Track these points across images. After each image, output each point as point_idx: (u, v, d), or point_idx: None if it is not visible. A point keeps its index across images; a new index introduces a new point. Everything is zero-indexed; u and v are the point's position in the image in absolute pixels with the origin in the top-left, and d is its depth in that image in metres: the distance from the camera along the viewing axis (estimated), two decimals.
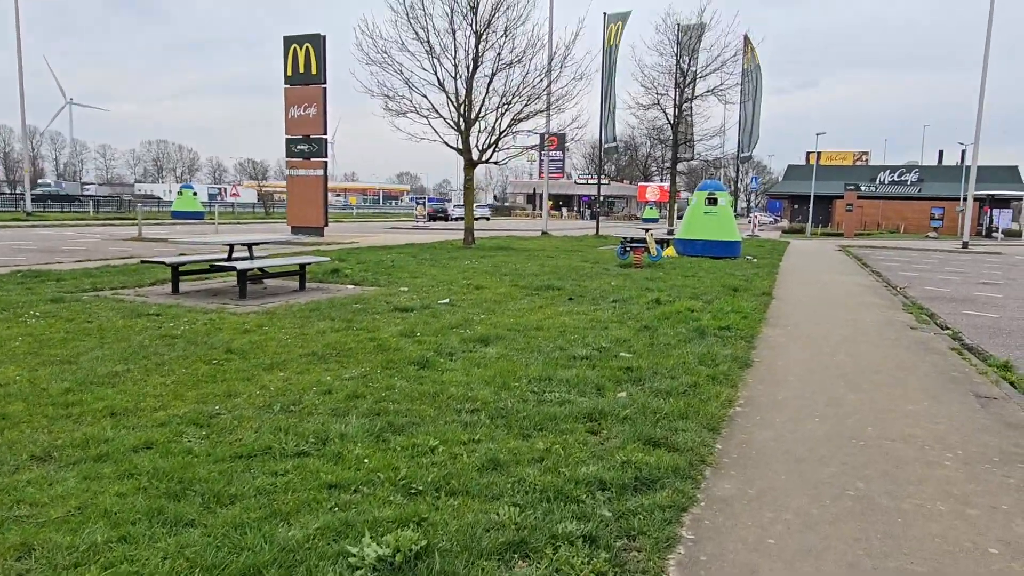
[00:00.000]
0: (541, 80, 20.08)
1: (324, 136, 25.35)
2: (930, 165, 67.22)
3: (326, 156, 25.63)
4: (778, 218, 77.00)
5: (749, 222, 43.78)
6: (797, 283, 14.21)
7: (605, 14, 29.18)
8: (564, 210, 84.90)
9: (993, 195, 49.26)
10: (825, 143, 72.55)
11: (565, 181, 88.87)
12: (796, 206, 62.29)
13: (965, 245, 31.92)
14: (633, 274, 13.79)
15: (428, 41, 19.29)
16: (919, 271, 19.92)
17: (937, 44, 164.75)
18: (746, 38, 29.14)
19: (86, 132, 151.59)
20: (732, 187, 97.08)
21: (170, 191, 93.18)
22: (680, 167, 53.61)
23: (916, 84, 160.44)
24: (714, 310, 9.21)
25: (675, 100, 27.63)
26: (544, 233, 30.30)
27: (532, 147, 21.06)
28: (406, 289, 10.71)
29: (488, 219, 64.53)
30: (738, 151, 29.96)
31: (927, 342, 8.12)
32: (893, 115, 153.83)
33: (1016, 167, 63.22)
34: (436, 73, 19.57)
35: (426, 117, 20.00)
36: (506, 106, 20.14)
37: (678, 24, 27.64)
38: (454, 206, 63.20)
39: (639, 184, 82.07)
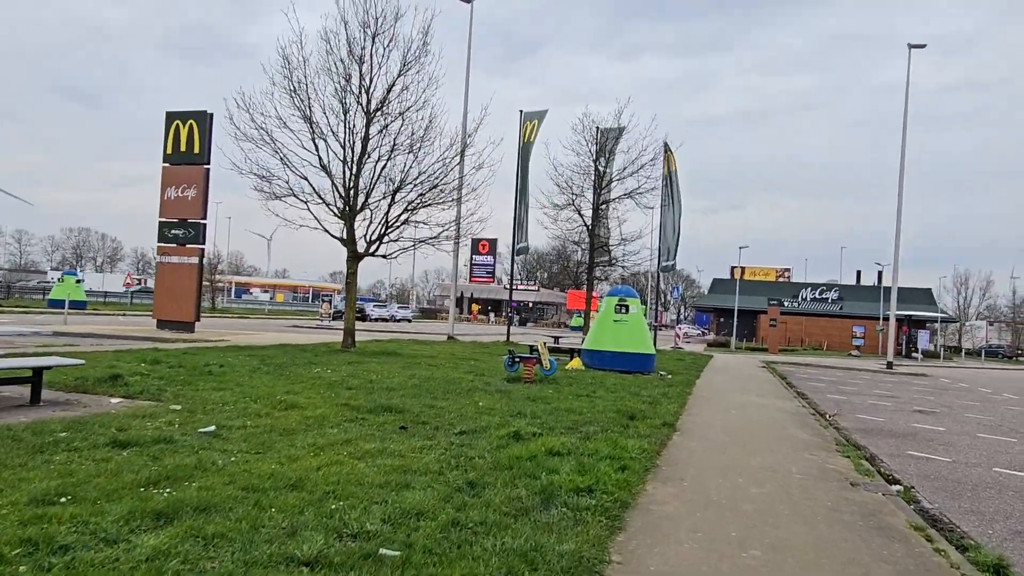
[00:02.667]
0: (441, 169, 18.08)
1: (203, 221, 22.59)
2: (849, 284, 68.46)
3: (203, 242, 22.78)
4: (706, 331, 76.73)
5: (675, 334, 42.36)
6: (711, 408, 11.88)
7: (522, 112, 28.09)
8: (492, 315, 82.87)
9: (911, 316, 49.55)
10: (750, 260, 73.68)
11: (495, 286, 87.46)
12: (722, 319, 61.83)
13: (890, 365, 30.79)
14: (515, 391, 11.22)
15: (312, 119, 17.15)
16: (847, 394, 18.03)
17: (854, 174, 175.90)
18: (666, 145, 28.34)
19: (16, 220, 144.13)
20: (663, 298, 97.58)
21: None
22: (612, 275, 52.75)
23: (834, 208, 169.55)
24: (587, 452, 6.65)
25: (592, 202, 26.17)
26: (450, 338, 27.70)
27: (426, 240, 18.68)
28: (178, 407, 7.82)
29: (410, 321, 61.78)
30: (658, 259, 28.49)
31: (877, 512, 5.70)
32: (813, 235, 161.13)
33: (930, 289, 64.89)
34: (319, 154, 17.33)
35: (306, 202, 17.58)
36: (397, 194, 17.93)
37: (597, 127, 26.63)
38: (373, 305, 60.30)
39: (569, 291, 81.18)
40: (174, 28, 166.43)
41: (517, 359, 13.54)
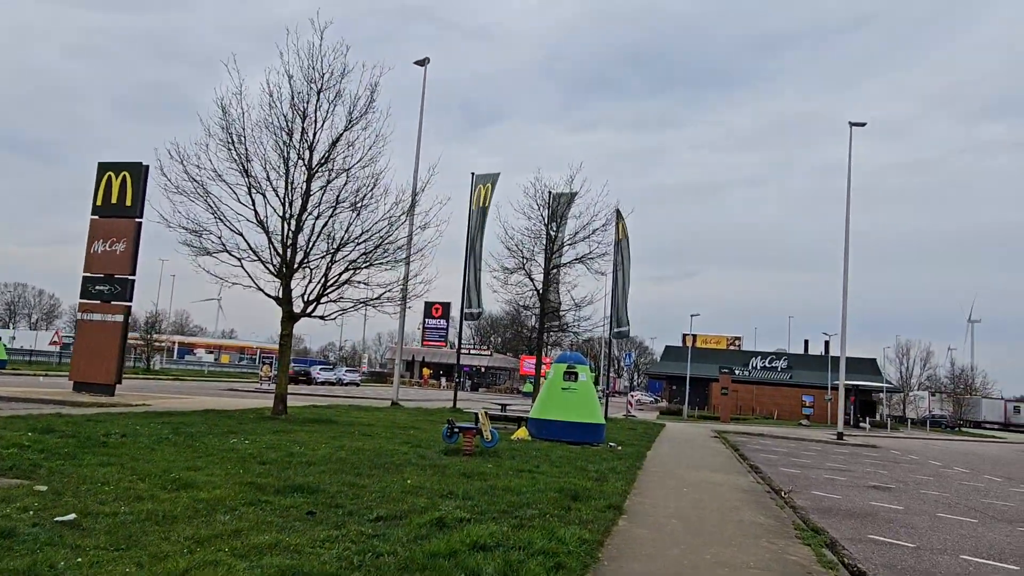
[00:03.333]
0: (386, 228, 17.36)
1: (131, 277, 21.32)
2: (797, 353, 69.24)
3: (130, 300, 21.45)
4: (659, 398, 76.44)
5: (627, 401, 41.69)
6: (662, 486, 11.08)
7: (473, 175, 27.79)
8: (443, 379, 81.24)
9: (859, 386, 49.96)
10: (701, 328, 74.09)
11: (448, 350, 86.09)
12: (674, 387, 61.58)
13: (840, 436, 30.54)
14: (451, 466, 10.26)
15: (249, 172, 16.36)
16: (801, 466, 17.46)
17: (801, 246, 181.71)
18: (618, 211, 28.27)
19: None
20: (615, 364, 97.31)
21: (14, 337, 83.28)
22: (564, 341, 52.10)
23: (783, 279, 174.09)
24: (518, 544, 5.77)
25: (543, 266, 25.68)
26: (394, 403, 26.48)
27: (368, 302, 17.79)
28: (43, 488, 6.70)
29: (358, 385, 59.91)
30: (610, 325, 28.03)
31: None
32: (762, 305, 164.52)
33: (875, 360, 66.01)
34: (256, 208, 16.48)
35: (239, 259, 16.61)
36: (338, 253, 17.10)
37: (549, 191, 26.41)
38: (320, 368, 58.36)
39: (522, 356, 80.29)
40: (132, 84, 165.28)
41: (456, 429, 12.61)
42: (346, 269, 17.32)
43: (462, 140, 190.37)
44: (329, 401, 28.08)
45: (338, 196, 17.05)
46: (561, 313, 26.33)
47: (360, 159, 17.22)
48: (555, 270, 26.03)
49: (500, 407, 21.20)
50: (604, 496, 8.85)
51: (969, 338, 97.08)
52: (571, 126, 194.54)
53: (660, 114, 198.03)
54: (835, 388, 46.41)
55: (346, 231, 17.08)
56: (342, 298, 17.61)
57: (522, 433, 16.44)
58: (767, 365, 62.65)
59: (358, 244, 17.25)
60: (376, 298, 17.81)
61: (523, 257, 25.59)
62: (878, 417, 56.99)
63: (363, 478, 8.69)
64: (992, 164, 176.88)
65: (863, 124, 31.77)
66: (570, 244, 25.97)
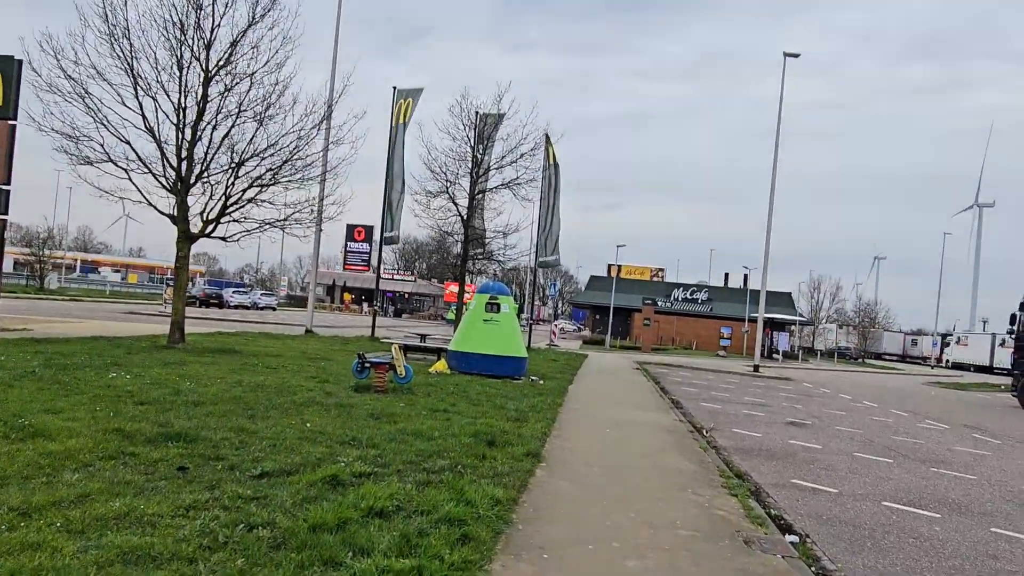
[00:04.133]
0: (295, 142, 15.84)
1: (5, 186, 19.04)
2: (718, 286, 70.91)
3: (5, 212, 19.23)
4: (581, 327, 77.41)
5: (551, 331, 41.69)
6: (584, 427, 10.60)
7: (395, 88, 26.03)
8: (366, 305, 79.78)
9: (774, 319, 51.56)
10: (626, 258, 74.72)
11: (371, 275, 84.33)
12: (598, 316, 62.23)
13: (756, 368, 31.33)
14: (358, 406, 9.44)
15: (136, 72, 14.46)
16: (720, 401, 17.52)
17: (726, 180, 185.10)
18: (547, 136, 27.20)
19: None
20: (540, 293, 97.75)
21: None
22: (490, 269, 51.25)
23: (706, 212, 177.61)
24: (422, 508, 5.04)
25: (468, 191, 24.56)
26: (308, 331, 25.34)
27: (274, 223, 16.41)
28: None
29: (275, 309, 58.04)
30: (536, 254, 27.35)
31: None
32: (686, 237, 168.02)
33: (790, 293, 68.31)
34: (144, 113, 14.68)
35: (126, 170, 14.88)
36: (241, 168, 15.56)
37: (476, 112, 25.02)
38: (233, 291, 56.04)
39: (447, 283, 79.48)
40: None
41: (367, 363, 11.74)
42: (250, 186, 15.84)
43: (388, 57, 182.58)
44: (239, 328, 26.65)
45: (240, 104, 15.40)
46: (486, 240, 25.44)
47: (266, 62, 15.55)
48: (480, 195, 24.96)
49: (419, 337, 20.41)
50: (522, 441, 8.23)
51: (874, 274, 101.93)
52: (504, 46, 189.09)
53: (592, 39, 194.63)
54: (752, 320, 47.73)
55: (249, 143, 15.53)
56: (246, 218, 16.18)
57: (441, 366, 15.74)
58: (688, 297, 63.91)
59: (263, 159, 15.76)
60: (284, 219, 16.45)
61: (447, 180, 24.38)
62: (789, 349, 59.33)
63: (256, 421, 7.78)
64: (908, 107, 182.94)
65: (797, 55, 31.40)
66: (497, 168, 24.90)
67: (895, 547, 6.13)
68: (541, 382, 15.73)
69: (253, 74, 15.53)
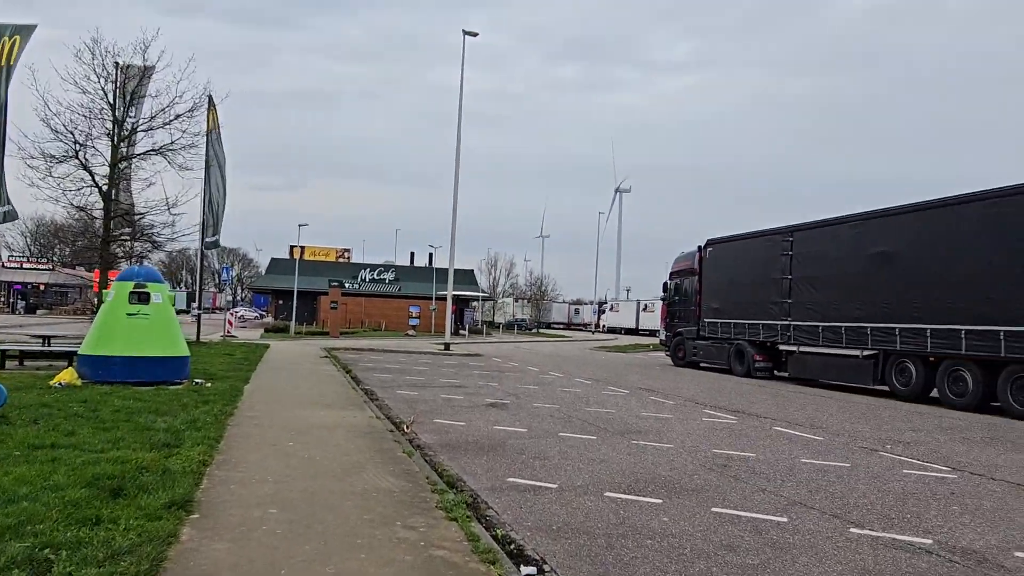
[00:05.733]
0: None
1: None
2: (404, 265, 71.15)
3: None
4: (264, 313, 72.13)
5: (226, 320, 37.27)
6: (259, 443, 8.44)
7: None
8: None
9: (460, 295, 52.91)
10: (310, 240, 71.15)
11: None
12: (281, 301, 58.14)
13: (447, 347, 31.22)
14: None
15: None
16: (417, 386, 16.39)
17: (407, 163, 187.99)
18: (210, 98, 23.41)
19: None
20: (215, 279, 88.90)
21: None
22: (155, 256, 43.99)
23: (390, 193, 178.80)
24: None
25: (108, 157, 19.98)
26: None
27: None
28: None
29: None
30: (202, 233, 23.54)
31: None
32: (370, 218, 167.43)
33: (472, 271, 71.23)
34: None
35: None
36: None
37: (116, 62, 20.44)
38: None
39: (95, 270, 67.90)
40: None
41: None
42: None
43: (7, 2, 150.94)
44: None
45: None
46: (135, 217, 21.04)
47: None
48: (126, 163, 20.51)
49: (42, 339, 15.95)
50: (167, 481, 5.91)
51: (541, 251, 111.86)
52: (160, 7, 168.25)
53: (271, 11, 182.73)
54: (440, 299, 48.32)
55: None
56: None
57: (68, 376, 12.13)
58: (376, 277, 62.95)
59: None
60: None
61: (76, 142, 19.47)
62: (474, 323, 61.74)
63: None
64: (567, 101, 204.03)
65: (475, 34, 31.61)
66: (146, 130, 20.64)
67: (639, 559, 5.24)
68: (208, 385, 12.98)
69: None
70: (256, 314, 70.55)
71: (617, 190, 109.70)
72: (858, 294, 18.21)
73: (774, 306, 21.35)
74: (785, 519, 6.35)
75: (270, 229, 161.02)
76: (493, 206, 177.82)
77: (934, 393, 16.68)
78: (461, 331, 52.07)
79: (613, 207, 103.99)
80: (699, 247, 26.08)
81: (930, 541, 5.86)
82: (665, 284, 29.01)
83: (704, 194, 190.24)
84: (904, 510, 6.82)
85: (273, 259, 64.85)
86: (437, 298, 51.11)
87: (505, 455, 8.83)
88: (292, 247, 62.55)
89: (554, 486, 7.30)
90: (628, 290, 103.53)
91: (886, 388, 17.98)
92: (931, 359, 16.46)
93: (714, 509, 6.61)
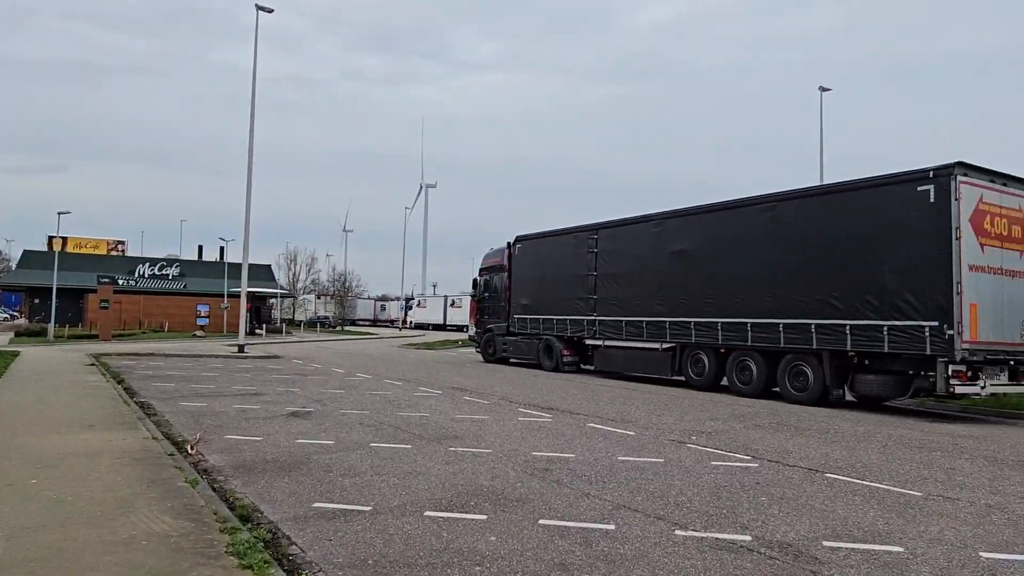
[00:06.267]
0: None
1: None
2: (191, 259, 65.27)
3: None
4: (16, 314, 62.80)
5: None
6: None
7: None
8: None
9: (256, 292, 49.44)
10: (76, 230, 62.88)
11: None
12: (37, 300, 50.71)
13: (242, 348, 28.74)
14: None
15: None
16: (205, 396, 14.61)
17: (196, 149, 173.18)
18: None
19: None
20: None
21: None
22: None
23: (175, 181, 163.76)
24: None
25: None
26: None
27: None
28: None
29: None
30: None
31: None
32: (150, 207, 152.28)
33: (269, 266, 67.15)
34: None
35: None
36: None
37: None
38: None
39: None
40: None
41: None
42: None
43: None
44: None
45: None
46: None
47: None
48: None
49: None
50: None
51: (344, 246, 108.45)
52: None
53: None
54: (233, 296, 44.70)
55: None
56: None
57: None
58: (157, 272, 57.10)
59: None
60: None
61: None
62: (275, 323, 58.14)
63: None
64: (372, 92, 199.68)
65: (270, 10, 29.29)
66: None
67: None
68: None
69: None
70: (5, 315, 61.14)
71: (422, 185, 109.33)
72: (658, 290, 19.15)
73: (581, 302, 21.93)
74: (612, 526, 6.10)
75: (27, 217, 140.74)
76: (292, 198, 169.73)
77: (724, 382, 17.94)
78: (258, 331, 48.69)
79: (418, 202, 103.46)
80: (508, 243, 26.22)
81: (749, 538, 5.87)
82: (475, 280, 28.91)
83: (510, 192, 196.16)
84: (720, 505, 6.88)
85: (26, 251, 56.42)
86: (229, 295, 47.39)
87: (310, 474, 7.85)
88: (51, 237, 54.80)
89: (368, 508, 6.50)
90: (435, 285, 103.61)
91: (683, 379, 19.10)
92: (722, 351, 17.69)
93: (542, 521, 6.21)
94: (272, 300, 63.28)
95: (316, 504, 6.63)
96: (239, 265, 31.48)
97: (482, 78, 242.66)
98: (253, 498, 6.75)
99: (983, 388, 13.35)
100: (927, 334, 13.19)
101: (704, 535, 5.92)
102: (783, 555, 5.45)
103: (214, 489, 6.90)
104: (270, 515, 6.23)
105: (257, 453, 8.94)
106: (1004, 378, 13.75)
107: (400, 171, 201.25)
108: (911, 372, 13.94)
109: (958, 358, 12.84)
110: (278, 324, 57.66)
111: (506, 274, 26.16)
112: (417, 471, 8.11)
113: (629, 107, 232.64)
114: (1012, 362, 13.86)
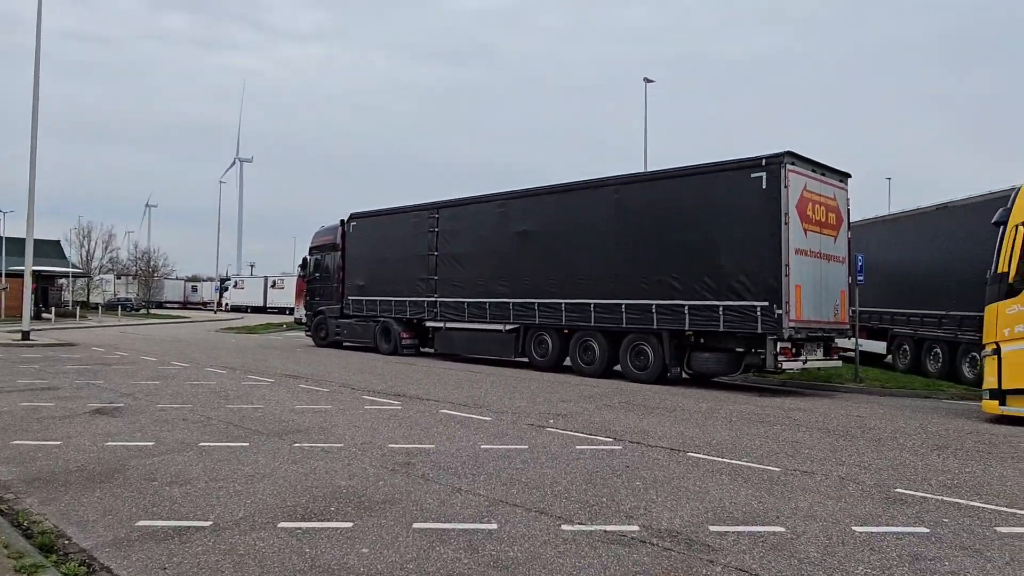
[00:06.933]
0: None
1: None
2: None
3: None
4: None
5: None
6: None
7: None
8: None
9: (43, 271, 43.46)
10: None
11: None
12: None
13: (27, 335, 24.90)
14: None
15: None
16: None
17: None
18: None
19: None
20: None
21: None
22: None
23: None
24: None
25: None
26: None
27: None
28: None
29: None
30: None
31: None
32: None
33: (59, 242, 59.71)
34: None
35: None
36: None
37: None
38: None
39: None
40: None
41: None
42: None
43: None
44: None
45: None
46: None
47: None
48: None
49: None
50: None
51: (147, 221, 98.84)
52: None
53: None
54: (14, 276, 38.97)
55: None
56: None
57: None
58: None
59: None
60: None
61: None
62: (66, 305, 51.61)
63: None
64: (178, 55, 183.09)
65: None
66: None
67: None
68: None
69: None
70: None
71: (237, 158, 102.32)
72: (502, 271, 18.89)
73: (421, 283, 21.19)
74: (495, 525, 5.59)
75: None
76: (85, 169, 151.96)
77: (567, 362, 18.09)
78: (45, 315, 42.91)
79: (229, 173, 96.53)
80: (342, 221, 24.82)
81: (637, 528, 5.60)
82: (304, 259, 27.15)
83: (335, 169, 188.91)
84: (598, 493, 6.60)
85: None
86: (9, 275, 41.32)
87: (129, 484, 6.59)
88: None
89: (207, 524, 5.49)
90: (252, 265, 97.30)
91: (526, 360, 19.03)
92: (565, 331, 17.80)
93: (416, 525, 5.55)
94: (63, 280, 56.16)
95: (141, 522, 5.49)
96: (22, 240, 27.22)
97: (302, 49, 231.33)
98: (56, 520, 5.48)
99: (804, 363, 14.44)
100: (759, 313, 13.99)
101: (592, 528, 5.57)
102: (676, 545, 5.22)
103: (1, 512, 5.52)
104: (82, 542, 5.04)
105: (56, 461, 7.43)
106: (820, 353, 14.97)
107: (215, 143, 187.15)
108: (742, 350, 14.77)
109: (786, 336, 13.75)
110: (70, 307, 51.15)
111: (339, 253, 24.76)
112: (261, 473, 7.10)
113: (454, 90, 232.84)
114: (826, 338, 15.13)
